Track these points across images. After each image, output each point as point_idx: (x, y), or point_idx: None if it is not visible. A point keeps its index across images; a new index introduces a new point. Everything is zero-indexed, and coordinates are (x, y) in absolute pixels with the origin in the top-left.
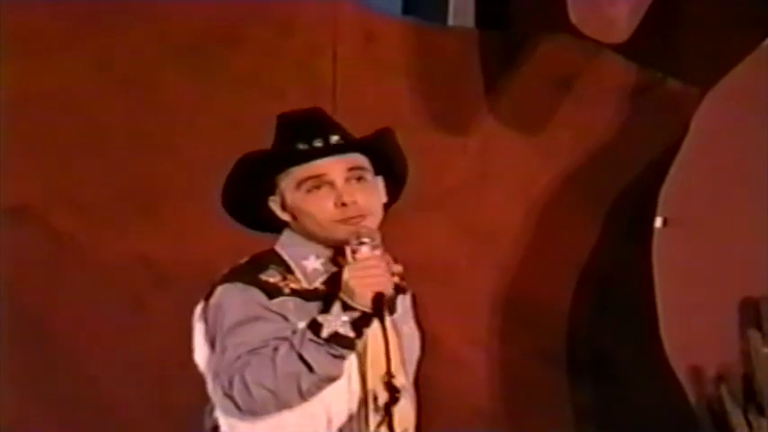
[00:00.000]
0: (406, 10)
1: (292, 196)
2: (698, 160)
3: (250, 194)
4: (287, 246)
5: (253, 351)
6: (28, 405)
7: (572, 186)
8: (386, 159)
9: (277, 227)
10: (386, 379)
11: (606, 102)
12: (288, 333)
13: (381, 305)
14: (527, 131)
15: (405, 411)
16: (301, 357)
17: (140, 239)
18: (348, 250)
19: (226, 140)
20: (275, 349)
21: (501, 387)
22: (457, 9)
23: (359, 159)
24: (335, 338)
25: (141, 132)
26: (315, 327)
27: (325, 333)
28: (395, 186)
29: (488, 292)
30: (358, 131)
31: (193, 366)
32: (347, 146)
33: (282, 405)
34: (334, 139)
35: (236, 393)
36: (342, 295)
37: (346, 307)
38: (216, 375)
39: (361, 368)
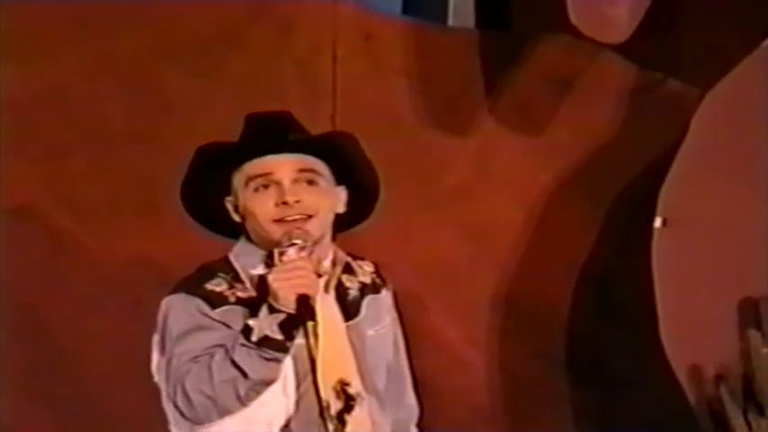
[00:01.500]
0: (406, 10)
1: (242, 194)
2: (698, 160)
3: (207, 191)
4: (239, 255)
5: (193, 359)
6: (27, 405)
7: (572, 186)
8: (346, 166)
9: (233, 231)
10: (338, 387)
11: (606, 102)
12: (227, 341)
13: (308, 307)
14: (527, 131)
15: (360, 418)
16: (234, 363)
17: (140, 239)
18: (276, 252)
19: (226, 140)
20: (212, 356)
21: (501, 387)
22: (457, 9)
23: (313, 162)
24: (266, 342)
25: (141, 132)
26: (245, 331)
27: (254, 337)
28: (364, 198)
29: (488, 292)
30: (358, 131)
31: None
32: (299, 144)
33: (223, 411)
34: (292, 137)
35: (179, 402)
36: (268, 298)
37: (272, 309)
38: (163, 385)
39: (313, 376)
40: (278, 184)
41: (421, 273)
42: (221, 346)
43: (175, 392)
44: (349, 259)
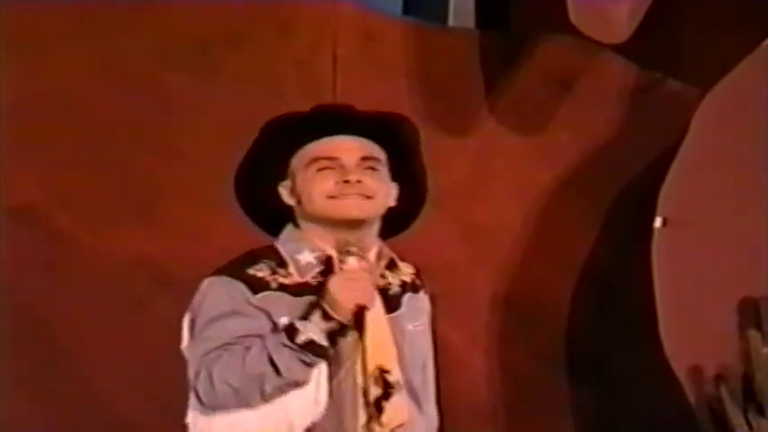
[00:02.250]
0: (406, 10)
1: (302, 175)
2: (698, 160)
3: (264, 172)
4: (285, 241)
5: (224, 346)
6: (28, 405)
7: (572, 186)
8: (402, 154)
9: (275, 226)
10: (377, 374)
11: (606, 102)
12: (264, 330)
13: (362, 318)
14: (527, 131)
15: (398, 406)
16: (271, 359)
17: (140, 239)
18: (336, 260)
19: (226, 140)
20: (247, 348)
21: (501, 387)
22: (457, 9)
23: (376, 151)
24: (309, 346)
25: (141, 132)
26: (291, 331)
27: (300, 339)
28: (410, 198)
29: (488, 292)
30: None
31: None
32: (365, 123)
33: (242, 403)
34: (356, 115)
35: (200, 386)
36: (323, 304)
37: (326, 316)
38: (188, 365)
39: (362, 363)
40: (342, 166)
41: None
42: (257, 336)
43: (198, 376)
44: (394, 256)
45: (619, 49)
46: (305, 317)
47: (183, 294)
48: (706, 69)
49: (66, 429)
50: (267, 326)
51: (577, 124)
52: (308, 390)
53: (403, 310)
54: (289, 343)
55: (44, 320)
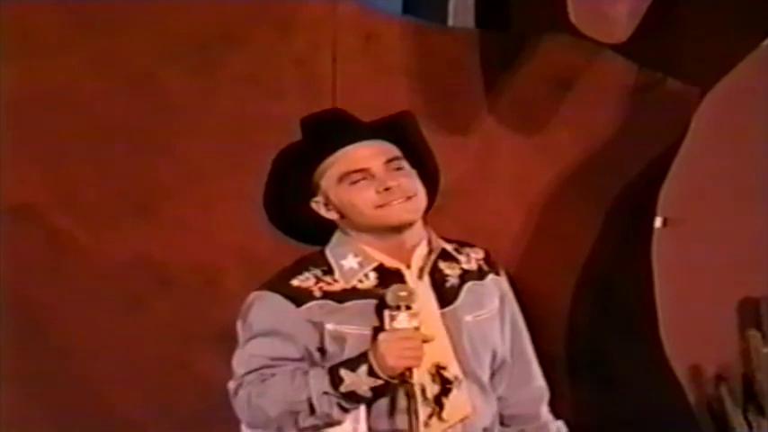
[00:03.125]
0: (406, 10)
1: (336, 192)
2: (698, 160)
3: (290, 196)
4: (332, 247)
5: (264, 368)
6: (28, 405)
7: (572, 186)
8: (414, 148)
9: (324, 237)
10: (433, 371)
11: (606, 102)
12: (303, 353)
13: (408, 379)
14: (527, 131)
15: (459, 401)
16: (310, 403)
17: (140, 239)
18: (386, 315)
19: (226, 140)
20: (291, 377)
21: None
22: (457, 9)
23: (394, 150)
24: (351, 395)
25: (141, 132)
26: (335, 379)
27: (343, 389)
28: (429, 180)
29: None
30: None
31: (193, 366)
32: (378, 130)
33: (277, 428)
34: (364, 125)
35: (236, 403)
36: (371, 359)
37: (372, 373)
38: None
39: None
40: (372, 175)
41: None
42: (298, 360)
43: (236, 393)
44: (445, 245)
45: (619, 49)
46: (352, 368)
47: (183, 294)
48: (706, 69)
49: (66, 429)
50: (311, 342)
51: (577, 124)
52: (346, 426)
53: (460, 302)
54: (331, 391)
55: (44, 320)
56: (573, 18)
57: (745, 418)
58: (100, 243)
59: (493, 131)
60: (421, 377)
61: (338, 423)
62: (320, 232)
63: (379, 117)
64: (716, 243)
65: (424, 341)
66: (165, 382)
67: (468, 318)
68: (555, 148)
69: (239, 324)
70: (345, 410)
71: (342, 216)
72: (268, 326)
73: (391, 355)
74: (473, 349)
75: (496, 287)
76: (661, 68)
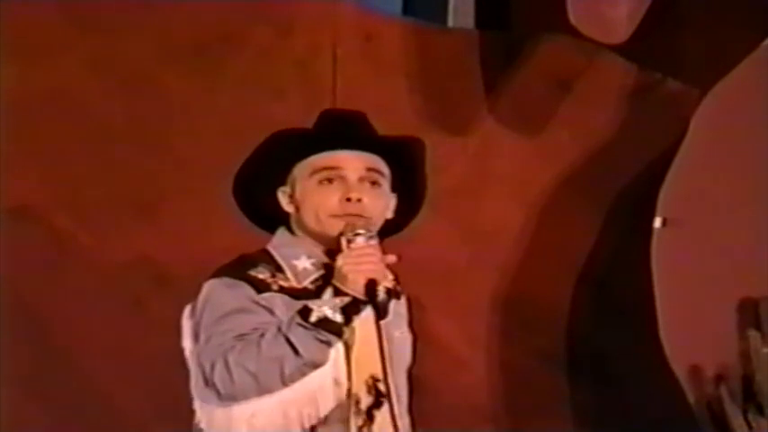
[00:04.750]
0: (406, 10)
1: (303, 184)
2: (698, 160)
3: (264, 178)
4: (279, 246)
5: (239, 336)
6: (28, 405)
7: (572, 186)
8: (408, 172)
9: (270, 225)
10: (370, 383)
11: (606, 102)
12: (274, 323)
13: (374, 292)
14: (527, 131)
15: (388, 416)
16: (288, 341)
17: (140, 239)
18: (343, 240)
19: (226, 140)
20: (261, 335)
21: (501, 387)
22: (457, 9)
23: (379, 163)
24: (323, 323)
25: (141, 132)
26: (304, 312)
27: (313, 317)
28: (407, 207)
29: (488, 292)
30: None
31: None
32: (374, 143)
33: (263, 389)
34: (364, 135)
35: (216, 377)
36: (334, 281)
37: (338, 292)
38: (198, 364)
39: (347, 372)
40: (343, 179)
41: (420, 273)
42: (269, 324)
43: (213, 368)
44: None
45: (619, 49)
46: (318, 296)
47: (183, 294)
48: (706, 69)
49: (66, 429)
50: (276, 320)
51: (577, 124)
52: (327, 370)
53: (390, 316)
54: (303, 322)
55: (44, 320)
56: (573, 19)
57: (745, 419)
58: (100, 243)
59: (493, 131)
60: (357, 387)
61: (321, 364)
62: (272, 220)
63: (378, 118)
64: (716, 243)
65: (385, 263)
66: (165, 382)
67: (397, 333)
68: (555, 148)
69: (195, 316)
70: (325, 343)
71: (297, 211)
72: (234, 306)
73: (351, 269)
74: (398, 364)
75: (404, 308)
76: (661, 68)
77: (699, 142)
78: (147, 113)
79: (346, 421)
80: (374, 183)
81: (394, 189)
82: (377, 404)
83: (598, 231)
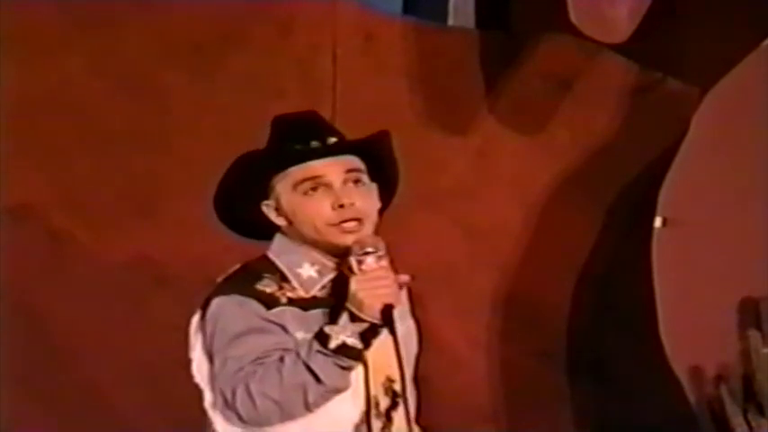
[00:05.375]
0: (406, 10)
1: (288, 198)
2: (698, 160)
3: (243, 197)
4: (280, 253)
5: (257, 361)
6: (28, 405)
7: (572, 186)
8: (380, 164)
9: (265, 233)
10: (386, 384)
11: (606, 102)
12: (289, 344)
13: (391, 316)
14: (527, 131)
15: (404, 417)
16: (309, 368)
17: (140, 239)
18: (353, 261)
19: (226, 140)
20: (281, 360)
21: (501, 387)
22: (457, 9)
23: (356, 162)
24: (343, 350)
25: (141, 132)
26: (322, 338)
27: (332, 344)
28: (385, 193)
29: (488, 292)
30: (358, 131)
31: None
32: (344, 147)
33: (286, 417)
34: (331, 140)
35: (239, 404)
36: (349, 306)
37: (354, 318)
38: (216, 388)
39: (364, 375)
40: (328, 186)
41: (421, 273)
42: (288, 350)
43: (234, 395)
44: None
45: (619, 49)
46: (332, 321)
47: (183, 294)
48: (706, 69)
49: (66, 429)
50: (290, 340)
51: (577, 124)
52: (348, 394)
53: (396, 312)
54: (322, 349)
55: (44, 320)
56: (573, 18)
57: (745, 419)
58: (100, 243)
59: (493, 131)
60: (376, 389)
61: (344, 389)
62: (263, 229)
63: (378, 118)
64: (716, 243)
65: (398, 284)
66: (165, 382)
67: (402, 328)
68: (555, 148)
69: (206, 334)
70: (345, 369)
71: (290, 223)
72: (245, 326)
73: (367, 295)
74: (407, 360)
75: (405, 298)
76: (661, 68)
77: (699, 142)
78: (147, 113)
79: (360, 425)
80: (357, 181)
81: (372, 178)
82: (393, 405)
83: (598, 231)
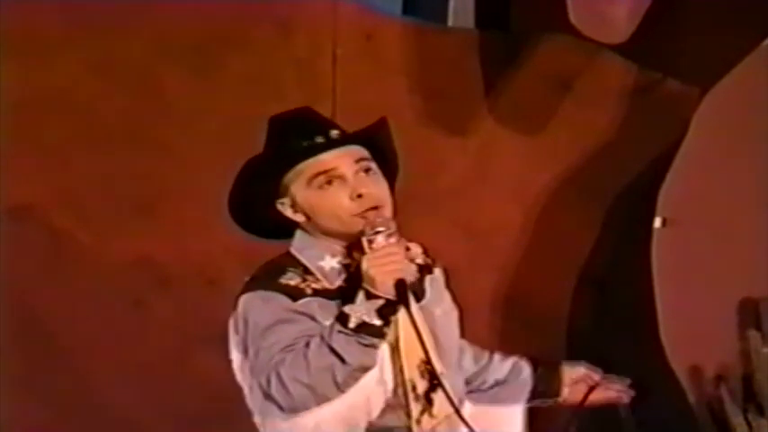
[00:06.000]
0: (406, 10)
1: (304, 194)
2: (697, 160)
3: (257, 199)
4: (302, 248)
5: (285, 348)
6: (28, 405)
7: (572, 186)
8: (381, 151)
9: (284, 232)
10: (422, 367)
11: (606, 102)
12: (317, 330)
13: (404, 291)
14: (527, 131)
15: (444, 397)
16: (332, 349)
17: (140, 239)
18: (364, 241)
19: (226, 140)
20: (306, 345)
21: None
22: (457, 9)
23: (363, 151)
24: (363, 328)
25: (141, 132)
26: (342, 318)
27: (352, 323)
28: (387, 179)
29: (488, 292)
30: None
31: (193, 366)
32: (349, 138)
33: (321, 399)
34: (334, 133)
35: (274, 392)
36: (364, 285)
37: (369, 296)
38: (253, 379)
39: (397, 359)
40: (341, 177)
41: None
42: (313, 335)
43: (269, 383)
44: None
45: (619, 49)
46: (351, 300)
47: (183, 294)
48: (706, 69)
49: (66, 429)
50: (317, 327)
51: (577, 124)
52: (375, 371)
53: (428, 296)
54: (343, 329)
55: (44, 320)
56: (573, 18)
57: (745, 418)
58: (100, 243)
59: (493, 131)
60: (411, 372)
61: (371, 367)
62: (283, 228)
63: (379, 117)
64: (716, 243)
65: (408, 258)
66: (165, 382)
67: (438, 311)
68: (555, 148)
69: (239, 331)
70: (371, 347)
71: (308, 218)
72: (276, 317)
73: (378, 271)
74: (447, 343)
75: (443, 278)
76: (661, 68)
77: (699, 142)
78: (147, 114)
79: (397, 408)
80: (368, 170)
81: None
82: (432, 387)
83: (598, 231)
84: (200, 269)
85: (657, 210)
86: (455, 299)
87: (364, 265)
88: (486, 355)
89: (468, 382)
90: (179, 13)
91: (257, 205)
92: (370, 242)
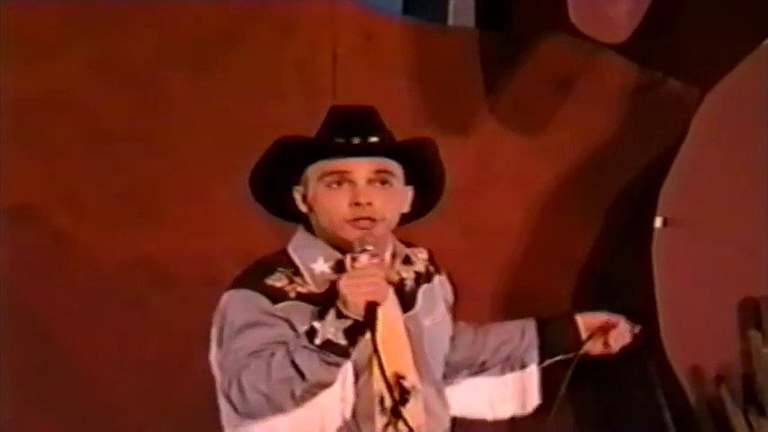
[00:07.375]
0: (406, 10)
1: (314, 188)
2: (698, 160)
3: (277, 180)
4: (298, 247)
5: (252, 354)
6: (27, 405)
7: (572, 186)
8: (421, 170)
9: (296, 217)
10: (394, 380)
11: (606, 102)
12: (289, 338)
13: (374, 314)
14: (527, 131)
15: (415, 411)
16: (293, 363)
17: (140, 239)
18: (348, 258)
19: (226, 140)
20: (272, 354)
21: None
22: (457, 9)
23: (389, 164)
24: (328, 345)
25: (141, 132)
26: (310, 333)
27: (318, 340)
28: (424, 199)
29: (488, 291)
30: None
31: (193, 366)
32: (380, 148)
33: (276, 409)
34: (372, 139)
35: (233, 395)
36: (337, 303)
37: (340, 314)
38: (219, 377)
39: (370, 369)
40: (352, 182)
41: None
42: (282, 343)
43: (230, 385)
44: (407, 250)
45: (619, 49)
46: (322, 316)
47: (183, 294)
48: (706, 69)
49: (66, 429)
50: (290, 333)
51: (577, 124)
52: (336, 389)
53: (419, 306)
54: (309, 345)
55: (44, 320)
56: (573, 18)
57: (746, 418)
58: (100, 243)
59: (493, 131)
60: (378, 385)
61: (330, 385)
62: (295, 212)
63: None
64: (716, 243)
65: (388, 281)
66: (165, 382)
67: (427, 322)
68: (555, 148)
69: (216, 324)
70: (334, 365)
71: (311, 211)
72: (250, 319)
73: (351, 291)
74: (431, 353)
75: (442, 288)
76: (661, 68)
77: (699, 142)
78: (148, 113)
79: (371, 420)
80: (384, 182)
81: (408, 182)
82: (402, 401)
83: (598, 231)
84: (200, 269)
85: (658, 210)
86: (457, 299)
87: (341, 282)
88: (482, 330)
89: (470, 364)
90: (179, 13)
91: (276, 186)
92: (354, 260)
